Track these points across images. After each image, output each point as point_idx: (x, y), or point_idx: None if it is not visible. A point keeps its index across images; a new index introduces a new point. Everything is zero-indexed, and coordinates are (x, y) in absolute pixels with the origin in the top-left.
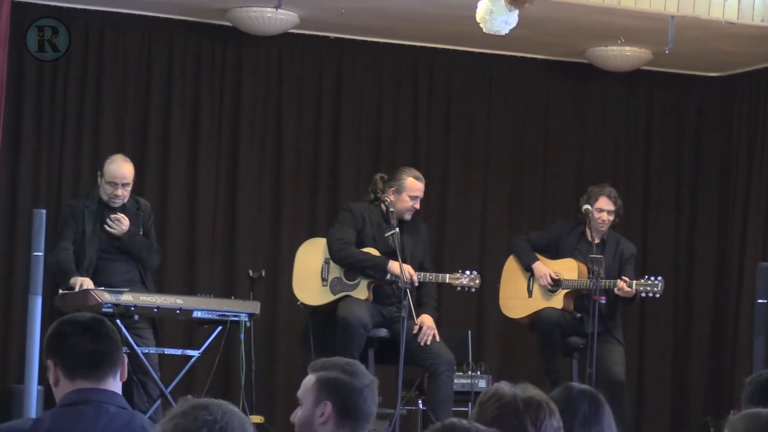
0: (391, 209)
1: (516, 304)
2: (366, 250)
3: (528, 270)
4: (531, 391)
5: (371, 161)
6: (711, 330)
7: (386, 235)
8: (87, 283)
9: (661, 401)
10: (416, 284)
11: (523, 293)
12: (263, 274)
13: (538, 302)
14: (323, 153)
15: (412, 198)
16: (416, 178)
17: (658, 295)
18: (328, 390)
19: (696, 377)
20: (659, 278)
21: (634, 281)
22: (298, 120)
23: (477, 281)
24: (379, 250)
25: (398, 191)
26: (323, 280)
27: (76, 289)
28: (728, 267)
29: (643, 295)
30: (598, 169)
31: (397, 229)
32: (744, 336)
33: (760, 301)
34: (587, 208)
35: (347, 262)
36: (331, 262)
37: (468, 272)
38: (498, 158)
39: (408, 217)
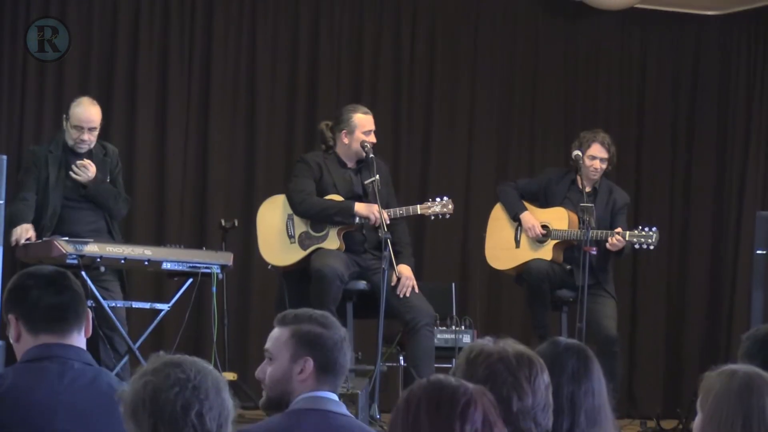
0: (370, 155)
1: (502, 255)
2: (329, 197)
3: (515, 220)
4: (517, 346)
5: (349, 99)
6: (707, 283)
7: (366, 183)
8: (25, 233)
9: (654, 358)
10: (388, 222)
11: (510, 243)
12: (236, 223)
13: (526, 253)
14: (299, 99)
15: (366, 133)
16: (363, 112)
17: (652, 247)
18: (308, 345)
19: (691, 333)
20: (653, 229)
21: (627, 232)
22: (273, 65)
23: (450, 206)
24: (342, 195)
25: (350, 132)
26: (290, 237)
27: (12, 242)
28: (726, 216)
29: (637, 246)
30: (590, 113)
31: (378, 176)
32: (742, 289)
33: (758, 251)
34: (578, 155)
35: (312, 213)
36: (295, 217)
37: (439, 198)
38: (484, 102)
39: (363, 153)
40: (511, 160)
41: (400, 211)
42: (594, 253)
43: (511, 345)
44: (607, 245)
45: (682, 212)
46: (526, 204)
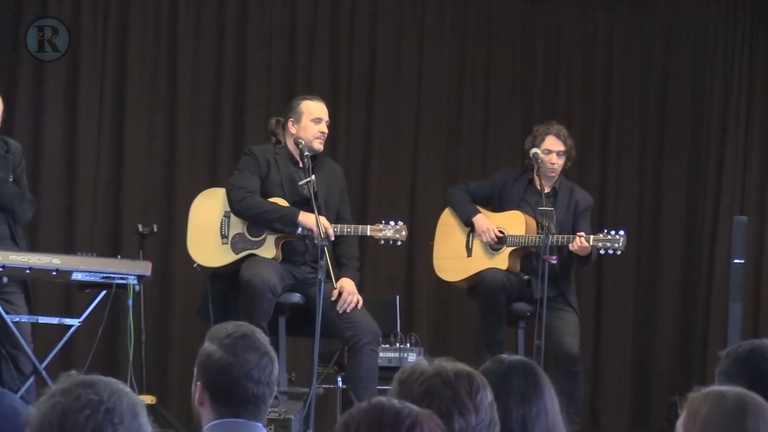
0: (306, 152)
1: (453, 265)
2: (273, 200)
3: (467, 225)
4: (454, 363)
5: (281, 98)
6: (680, 294)
7: (301, 183)
8: None
9: (620, 378)
10: (332, 238)
11: (461, 252)
12: (155, 229)
13: (479, 262)
14: (225, 94)
15: (315, 121)
16: (313, 99)
17: (619, 252)
18: (201, 368)
19: (661, 349)
20: (621, 232)
21: (592, 236)
22: (196, 56)
23: (404, 233)
24: (288, 200)
25: (297, 120)
26: (223, 237)
27: None
28: (700, 221)
29: (602, 252)
30: (550, 107)
31: (314, 176)
32: (718, 301)
33: (736, 261)
34: (536, 153)
35: (250, 214)
36: (232, 215)
37: (393, 222)
38: (432, 95)
39: (318, 145)
40: (461, 161)
41: (347, 228)
42: (554, 262)
43: (447, 362)
44: (571, 247)
45: (652, 216)
46: (479, 208)
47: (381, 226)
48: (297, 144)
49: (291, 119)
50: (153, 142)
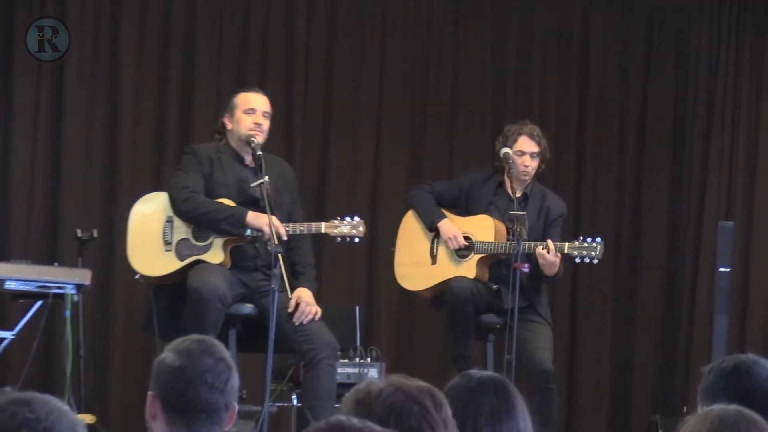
0: (259, 152)
1: (416, 273)
2: (219, 200)
3: (432, 229)
4: (411, 379)
5: (231, 90)
6: (661, 306)
7: (253, 185)
8: None
9: (597, 395)
10: (284, 238)
11: (425, 259)
12: (95, 234)
13: (445, 270)
14: (171, 90)
15: (248, 112)
16: (248, 90)
17: (596, 261)
18: (155, 376)
19: (642, 365)
20: (597, 240)
21: (566, 243)
22: (140, 49)
23: (361, 228)
24: (235, 200)
25: (231, 114)
26: (166, 243)
27: None
28: (683, 228)
29: (578, 260)
30: (522, 103)
31: (267, 177)
32: (702, 313)
33: (721, 269)
34: (507, 153)
35: (195, 215)
36: (175, 219)
37: (349, 218)
38: (394, 87)
39: (258, 138)
40: (426, 160)
41: (300, 227)
42: (526, 270)
43: (402, 378)
44: (538, 256)
45: (632, 222)
46: (445, 212)
47: (336, 222)
48: (249, 143)
49: (226, 115)
50: (93, 140)
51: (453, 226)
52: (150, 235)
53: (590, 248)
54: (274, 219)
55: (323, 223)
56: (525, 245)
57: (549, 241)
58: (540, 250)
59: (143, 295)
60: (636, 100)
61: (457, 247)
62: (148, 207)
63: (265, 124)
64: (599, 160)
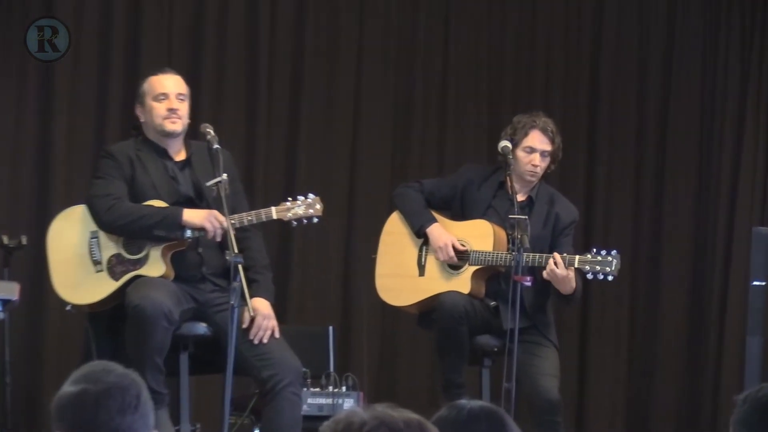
0: (215, 146)
1: (401, 286)
2: (148, 203)
3: (419, 235)
4: (399, 410)
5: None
6: (686, 325)
7: (209, 184)
8: None
9: (611, 428)
10: (225, 224)
11: (412, 269)
12: (23, 241)
13: (435, 283)
14: (113, 75)
15: (160, 98)
16: (157, 73)
17: (611, 277)
18: (56, 414)
19: (663, 396)
20: (613, 252)
21: (577, 257)
22: (77, 32)
23: (318, 206)
24: (165, 200)
25: (142, 104)
26: (95, 263)
27: None
28: (711, 235)
29: (591, 276)
30: (524, 92)
31: (225, 175)
32: (733, 333)
33: (756, 283)
34: (507, 147)
35: (123, 224)
36: (102, 234)
37: (302, 197)
38: (376, 70)
39: (171, 126)
40: (412, 156)
41: (248, 217)
42: (528, 284)
43: (389, 409)
44: (544, 274)
45: (652, 230)
46: (435, 214)
47: (288, 204)
48: (160, 129)
49: (137, 105)
50: (20, 139)
51: (445, 232)
52: (75, 256)
53: (605, 262)
54: (216, 213)
55: (273, 208)
56: (528, 257)
57: (555, 254)
58: (551, 265)
59: (79, 323)
60: (656, 90)
61: (446, 259)
62: (66, 224)
63: (182, 108)
64: (613, 159)
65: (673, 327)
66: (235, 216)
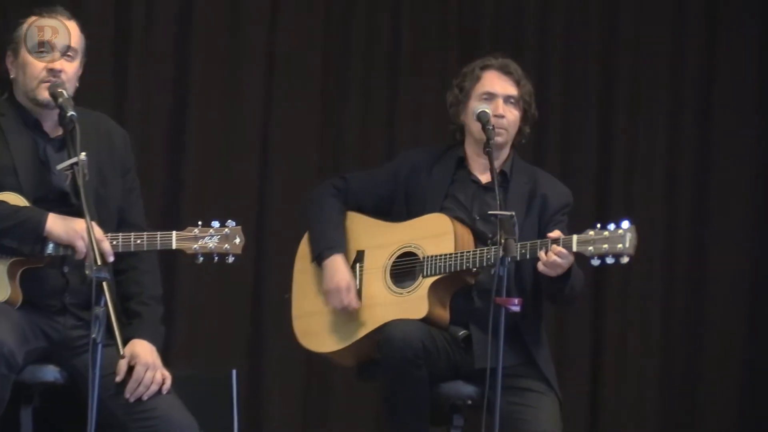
0: (70, 112)
1: (328, 324)
2: (1, 196)
3: (318, 262)
4: None
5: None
6: (741, 341)
7: (60, 167)
8: None
9: None
10: (110, 259)
11: None
12: None
13: (377, 311)
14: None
15: (38, 52)
16: (41, 13)
17: (626, 258)
18: None
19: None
20: (624, 223)
21: (574, 236)
22: None
23: (237, 240)
24: (28, 194)
25: (15, 52)
26: None
27: None
28: None
29: (596, 262)
30: (506, 32)
31: (84, 155)
32: None
33: None
34: (483, 112)
35: None
36: None
37: (216, 223)
38: (298, 40)
39: (45, 95)
40: (345, 143)
41: (137, 239)
42: (516, 308)
43: None
44: (539, 266)
45: (692, 200)
46: (361, 218)
47: (197, 231)
48: (46, 102)
49: (9, 54)
50: None
51: (344, 268)
52: None
53: (613, 238)
54: (95, 227)
55: (174, 234)
56: (512, 268)
57: (551, 235)
58: (550, 256)
59: None
60: (695, 36)
61: (339, 306)
62: None
63: (69, 67)
64: (637, 121)
65: (725, 344)
66: (119, 236)
